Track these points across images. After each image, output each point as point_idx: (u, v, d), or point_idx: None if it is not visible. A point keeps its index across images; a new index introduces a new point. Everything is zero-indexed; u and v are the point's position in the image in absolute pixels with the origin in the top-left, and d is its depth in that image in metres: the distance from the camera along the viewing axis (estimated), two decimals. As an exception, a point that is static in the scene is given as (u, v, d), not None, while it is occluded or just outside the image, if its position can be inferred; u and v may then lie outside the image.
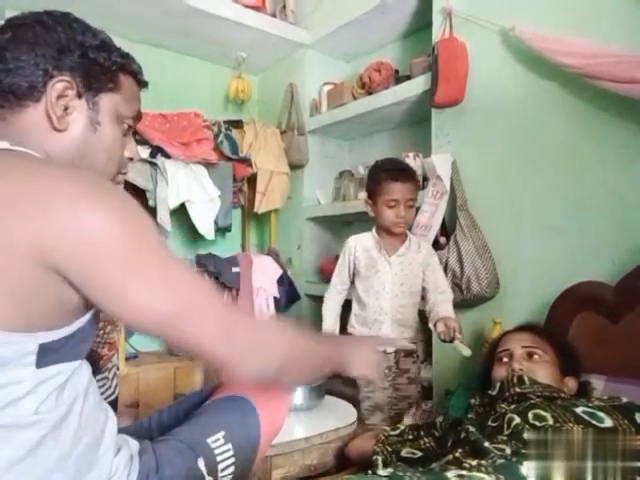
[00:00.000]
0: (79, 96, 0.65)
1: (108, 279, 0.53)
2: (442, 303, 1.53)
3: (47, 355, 0.54)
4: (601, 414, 0.83)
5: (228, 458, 0.76)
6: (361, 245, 1.65)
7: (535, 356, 1.13)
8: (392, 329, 1.58)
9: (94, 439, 0.62)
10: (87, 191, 0.54)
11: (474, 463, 0.75)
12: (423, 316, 1.61)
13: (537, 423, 0.84)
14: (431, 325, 1.47)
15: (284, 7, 2.52)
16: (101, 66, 0.66)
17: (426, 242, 1.69)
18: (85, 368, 0.63)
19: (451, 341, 1.34)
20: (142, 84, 0.75)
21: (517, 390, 1.03)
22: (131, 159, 0.78)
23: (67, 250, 0.51)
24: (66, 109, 0.64)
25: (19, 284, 0.51)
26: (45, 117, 0.63)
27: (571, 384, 1.13)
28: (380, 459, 1.04)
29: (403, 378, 1.61)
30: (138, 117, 0.75)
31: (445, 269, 1.68)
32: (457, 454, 0.83)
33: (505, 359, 1.17)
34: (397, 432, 1.16)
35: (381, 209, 1.56)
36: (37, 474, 0.54)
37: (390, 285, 1.59)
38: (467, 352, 1.28)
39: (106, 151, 0.70)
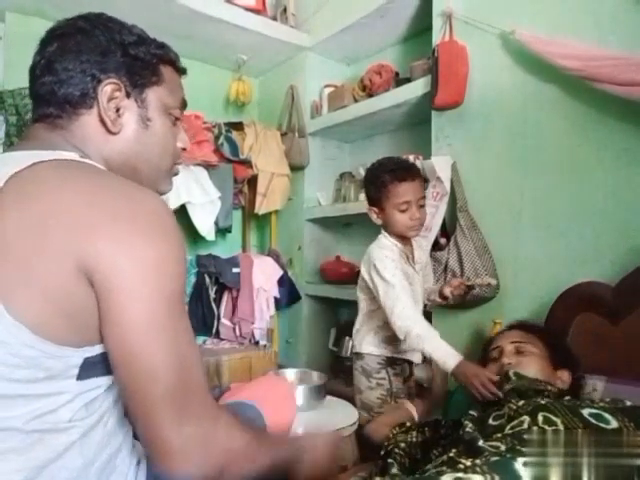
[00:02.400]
0: (128, 96, 0.67)
1: (120, 310, 0.53)
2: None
3: (88, 369, 0.55)
4: (607, 415, 0.82)
5: None
6: (393, 255, 1.41)
7: (524, 350, 1.15)
8: None
9: (115, 449, 0.63)
10: (141, 227, 0.54)
11: (468, 463, 0.74)
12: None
13: (547, 427, 0.82)
14: (436, 298, 1.46)
15: (285, 10, 2.53)
16: (142, 61, 0.68)
17: (425, 243, 1.68)
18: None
19: (470, 289, 1.41)
20: (181, 71, 0.76)
21: (507, 387, 1.03)
22: (184, 149, 0.78)
23: (101, 271, 0.52)
24: (117, 110, 0.66)
25: (67, 298, 0.52)
26: (99, 122, 0.65)
27: (565, 377, 1.14)
28: (396, 465, 1.01)
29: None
30: (184, 105, 0.76)
31: (445, 269, 1.68)
32: (451, 454, 0.82)
33: (495, 356, 1.19)
34: (403, 429, 1.15)
35: (392, 214, 1.39)
36: (63, 479, 0.55)
37: (420, 297, 1.46)
38: (493, 280, 1.42)
39: (160, 145, 0.71)
